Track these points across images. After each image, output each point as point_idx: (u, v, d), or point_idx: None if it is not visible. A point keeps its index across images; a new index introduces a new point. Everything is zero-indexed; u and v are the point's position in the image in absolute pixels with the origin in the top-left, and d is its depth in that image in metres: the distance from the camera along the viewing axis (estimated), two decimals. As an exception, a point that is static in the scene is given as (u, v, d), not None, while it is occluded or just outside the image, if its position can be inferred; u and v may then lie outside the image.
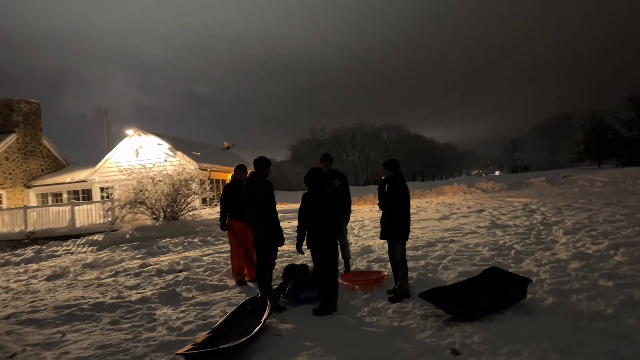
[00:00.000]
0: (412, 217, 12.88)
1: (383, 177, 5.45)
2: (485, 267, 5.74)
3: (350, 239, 10.03)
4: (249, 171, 6.40)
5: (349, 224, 7.90)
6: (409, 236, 5.55)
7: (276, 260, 5.73)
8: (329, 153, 6.97)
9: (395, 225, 5.24)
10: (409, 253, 7.38)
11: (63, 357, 4.18)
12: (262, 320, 4.40)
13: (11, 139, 21.64)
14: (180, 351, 3.82)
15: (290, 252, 8.70)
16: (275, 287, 5.85)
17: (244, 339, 3.99)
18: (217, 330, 4.36)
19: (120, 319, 5.31)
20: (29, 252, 12.40)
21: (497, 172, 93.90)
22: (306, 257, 7.26)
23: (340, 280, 5.77)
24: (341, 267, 6.61)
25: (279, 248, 5.72)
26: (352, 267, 6.94)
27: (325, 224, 4.98)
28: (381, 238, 5.48)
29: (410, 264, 6.40)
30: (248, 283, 6.56)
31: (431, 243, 8.71)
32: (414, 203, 19.96)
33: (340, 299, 5.18)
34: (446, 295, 4.71)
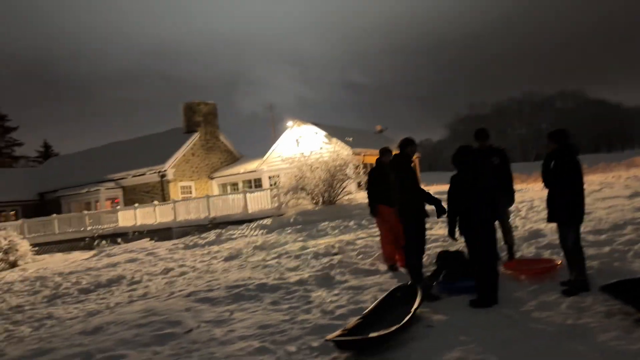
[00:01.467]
0: (595, 195, 11.04)
1: (549, 151, 4.66)
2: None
3: (516, 221, 9.04)
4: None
5: (513, 205, 7.08)
6: (585, 218, 4.67)
7: (429, 246, 5.42)
8: (484, 128, 6.28)
9: (563, 205, 4.45)
10: (589, 238, 6.29)
11: (229, 335, 4.57)
12: (412, 310, 4.16)
13: (195, 137, 25.07)
14: (329, 337, 3.83)
15: (445, 237, 8.22)
16: (428, 274, 5.53)
17: (394, 328, 3.82)
18: (367, 317, 4.28)
19: (280, 300, 5.63)
20: (211, 235, 14.20)
21: None
22: (462, 243, 6.75)
23: (502, 269, 5.18)
24: (504, 254, 5.96)
25: (432, 232, 5.39)
26: (517, 254, 6.19)
27: (477, 207, 4.48)
28: (548, 221, 4.73)
29: (590, 251, 5.43)
30: (400, 269, 6.36)
31: (619, 225, 7.29)
32: (596, 178, 17.24)
33: (502, 290, 4.63)
34: (638, 289, 3.82)
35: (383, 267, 6.60)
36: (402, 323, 3.91)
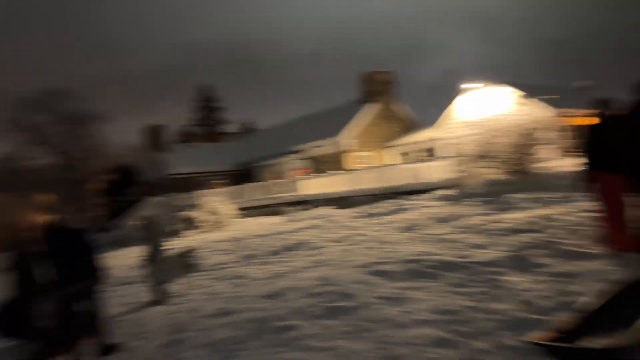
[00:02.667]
0: None
1: None
2: None
3: None
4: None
5: None
6: None
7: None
8: None
9: None
10: None
11: (405, 317, 4.05)
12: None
13: (373, 107, 25.01)
14: (539, 340, 2.94)
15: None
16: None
17: None
18: (589, 317, 3.23)
19: (462, 282, 4.87)
20: (387, 205, 13.88)
21: None
22: None
23: None
24: None
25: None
26: None
27: None
28: None
29: None
30: (627, 254, 4.91)
31: None
32: None
33: None
34: None
35: (599, 250, 5.21)
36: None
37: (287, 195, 19.92)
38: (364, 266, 5.93)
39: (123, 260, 13.41)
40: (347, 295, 4.77)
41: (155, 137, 30.73)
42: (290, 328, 4.18)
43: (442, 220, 9.56)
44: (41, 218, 4.81)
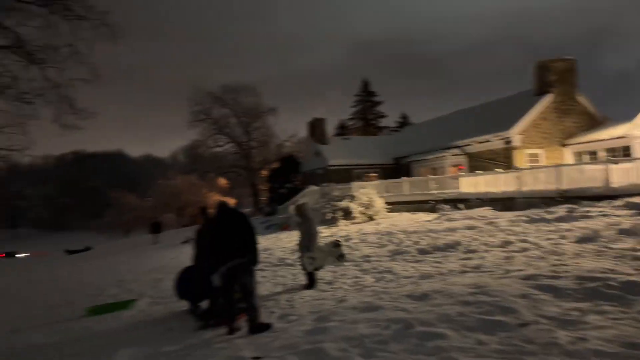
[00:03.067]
0: None
1: None
2: None
3: None
4: None
5: None
6: None
7: None
8: None
9: None
10: None
11: (579, 344, 3.37)
12: None
13: (547, 99, 22.24)
14: None
15: None
16: None
17: None
18: None
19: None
20: (561, 210, 12.17)
21: None
22: None
23: None
24: None
25: None
26: None
27: None
28: None
29: None
30: None
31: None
32: None
33: None
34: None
35: None
36: None
37: (443, 192, 19.03)
38: (528, 278, 5.19)
39: (283, 243, 14.39)
40: (505, 309, 4.20)
41: (316, 130, 32.32)
42: (437, 336, 3.82)
43: (632, 233, 7.98)
44: (217, 198, 5.31)
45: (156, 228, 28.61)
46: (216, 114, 42.75)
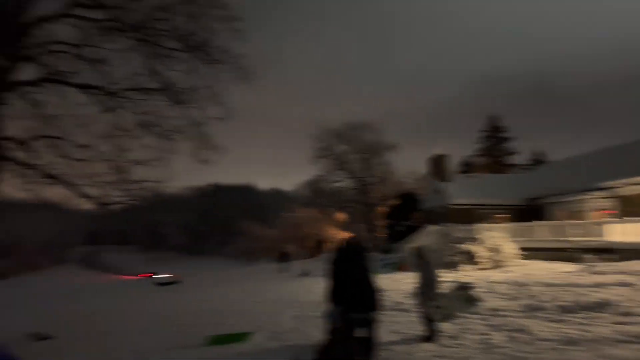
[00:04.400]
0: None
1: None
2: None
3: None
4: None
5: None
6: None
7: None
8: None
9: None
10: None
11: None
12: None
13: None
14: None
15: None
16: None
17: None
18: None
19: None
20: None
21: None
22: None
23: None
24: None
25: None
26: None
27: None
28: None
29: None
30: None
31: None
32: None
33: None
34: None
35: None
36: None
37: (587, 240, 16.78)
38: None
39: (400, 285, 13.79)
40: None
41: (438, 166, 31.21)
42: None
43: None
44: (339, 233, 5.19)
45: (284, 257, 30.09)
46: (337, 150, 43.99)
